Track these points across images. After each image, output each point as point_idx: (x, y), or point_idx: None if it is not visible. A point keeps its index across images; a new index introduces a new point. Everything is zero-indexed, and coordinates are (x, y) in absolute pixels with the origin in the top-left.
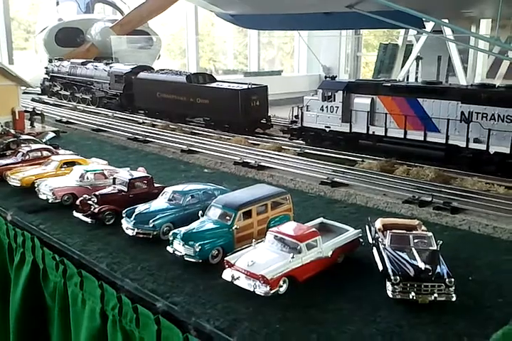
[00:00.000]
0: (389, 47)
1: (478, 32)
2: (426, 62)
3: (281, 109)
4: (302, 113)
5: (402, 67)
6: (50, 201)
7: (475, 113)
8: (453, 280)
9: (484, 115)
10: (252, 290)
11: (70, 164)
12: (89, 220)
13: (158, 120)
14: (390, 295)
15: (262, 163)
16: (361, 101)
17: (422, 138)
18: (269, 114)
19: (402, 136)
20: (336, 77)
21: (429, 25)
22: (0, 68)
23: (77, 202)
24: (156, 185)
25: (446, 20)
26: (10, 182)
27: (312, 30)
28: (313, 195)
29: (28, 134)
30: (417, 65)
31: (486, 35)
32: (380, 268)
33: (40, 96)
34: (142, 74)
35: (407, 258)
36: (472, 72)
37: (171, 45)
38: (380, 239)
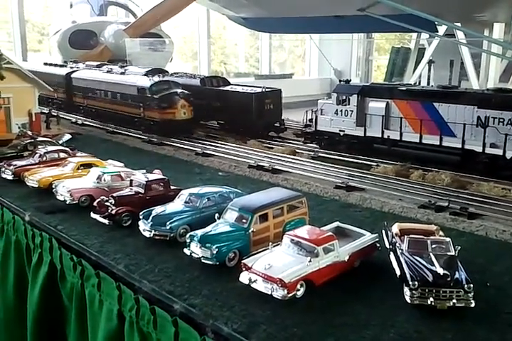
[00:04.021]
0: (401, 51)
1: (492, 36)
2: (438, 66)
3: (292, 112)
4: (316, 117)
5: (414, 71)
6: (67, 202)
7: (491, 118)
8: (472, 286)
9: (501, 120)
10: (269, 293)
11: (87, 166)
12: (106, 222)
13: None
14: (408, 301)
15: (276, 167)
16: (376, 105)
17: (437, 143)
18: (282, 118)
19: (417, 141)
20: (351, 80)
21: (442, 29)
22: (17, 70)
23: (95, 204)
24: (172, 188)
25: (459, 24)
26: (28, 183)
27: (324, 34)
28: (327, 198)
29: (45, 136)
30: (429, 69)
31: (499, 39)
32: (398, 273)
33: None
34: None
35: (425, 264)
36: (485, 76)
37: (183, 48)
38: (397, 244)
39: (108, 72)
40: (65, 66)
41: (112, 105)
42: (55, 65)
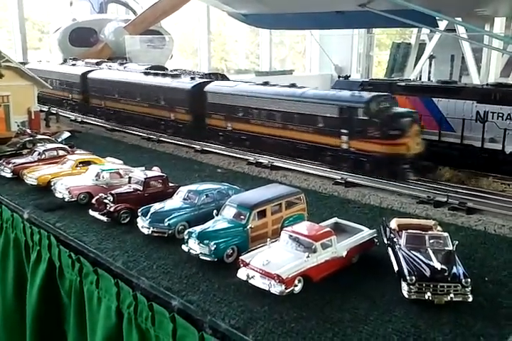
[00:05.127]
0: (402, 46)
1: (493, 30)
2: (439, 61)
3: None
4: None
5: (414, 66)
6: (66, 200)
7: (491, 112)
8: (469, 280)
9: (500, 115)
10: (267, 289)
11: (86, 163)
12: (105, 219)
13: None
14: (406, 296)
15: (275, 163)
16: None
17: (436, 138)
18: None
19: None
20: (350, 76)
21: (443, 24)
22: (16, 68)
23: (93, 201)
24: (170, 185)
25: (460, 19)
26: (26, 181)
27: (324, 30)
28: (326, 195)
29: (44, 134)
30: (430, 64)
31: (500, 34)
32: (396, 268)
33: None
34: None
35: (423, 259)
36: (486, 71)
37: (183, 45)
38: (395, 239)
39: (266, 83)
40: (178, 76)
41: (281, 131)
42: (164, 75)
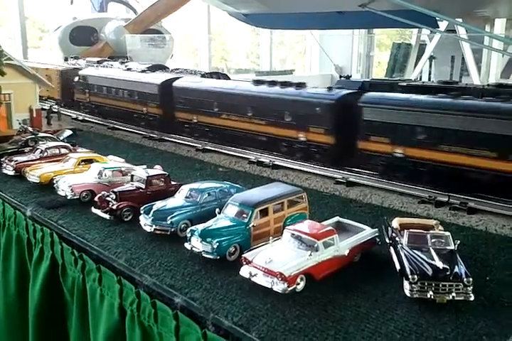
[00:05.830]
0: (402, 47)
1: (493, 31)
2: (439, 62)
3: None
4: None
5: (415, 66)
6: (68, 197)
7: None
8: (471, 279)
9: None
10: (269, 287)
11: (88, 161)
12: (107, 216)
13: None
14: (408, 294)
15: (277, 162)
16: None
17: None
18: None
19: None
20: (351, 76)
21: (443, 25)
22: (18, 66)
23: (96, 199)
24: (172, 183)
25: (460, 20)
26: (28, 179)
27: (325, 30)
28: (328, 194)
29: (46, 132)
30: (430, 65)
31: (500, 35)
32: (398, 267)
33: None
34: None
35: (425, 258)
36: (486, 72)
37: (183, 45)
38: (397, 239)
39: (458, 96)
40: (303, 85)
41: (493, 162)
42: (284, 85)
